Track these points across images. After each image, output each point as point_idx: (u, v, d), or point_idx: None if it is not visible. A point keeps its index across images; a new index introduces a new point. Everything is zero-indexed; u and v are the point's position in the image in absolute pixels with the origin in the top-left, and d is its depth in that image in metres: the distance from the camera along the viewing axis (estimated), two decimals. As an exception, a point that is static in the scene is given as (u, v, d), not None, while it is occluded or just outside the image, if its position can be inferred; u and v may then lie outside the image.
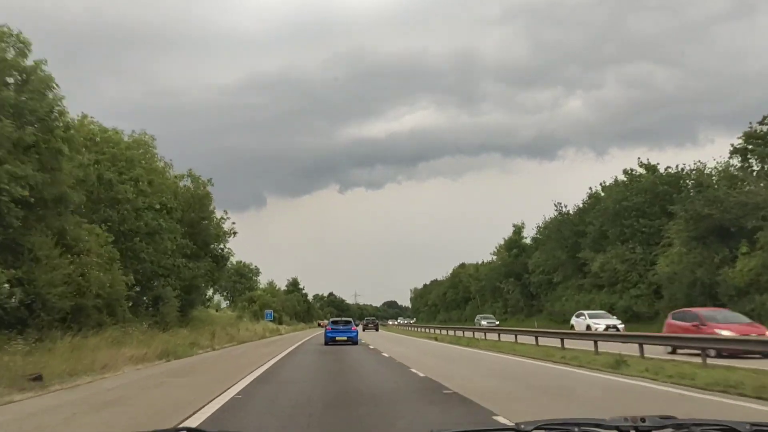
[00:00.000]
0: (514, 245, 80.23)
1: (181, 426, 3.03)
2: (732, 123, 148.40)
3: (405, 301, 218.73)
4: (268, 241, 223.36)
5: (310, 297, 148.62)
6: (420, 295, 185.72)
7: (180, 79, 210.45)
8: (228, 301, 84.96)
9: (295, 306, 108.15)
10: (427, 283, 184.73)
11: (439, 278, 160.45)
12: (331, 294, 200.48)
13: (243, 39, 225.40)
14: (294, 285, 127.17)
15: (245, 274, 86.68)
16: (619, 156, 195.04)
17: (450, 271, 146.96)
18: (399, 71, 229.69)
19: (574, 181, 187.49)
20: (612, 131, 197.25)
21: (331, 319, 38.13)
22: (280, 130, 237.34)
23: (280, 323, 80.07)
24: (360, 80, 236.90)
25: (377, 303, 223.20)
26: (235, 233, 55.75)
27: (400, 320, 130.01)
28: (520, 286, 75.39)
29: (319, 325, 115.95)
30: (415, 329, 76.42)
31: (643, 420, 2.05)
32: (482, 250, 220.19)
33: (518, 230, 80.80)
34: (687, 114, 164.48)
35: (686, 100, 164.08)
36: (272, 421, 8.46)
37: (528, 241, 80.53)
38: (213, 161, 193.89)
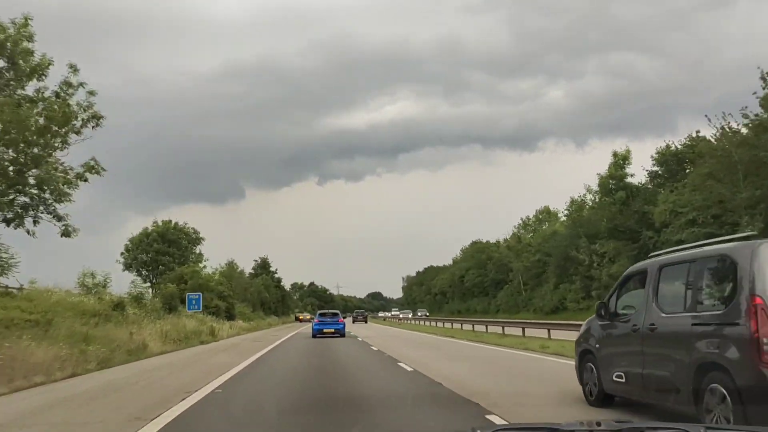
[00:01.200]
0: (617, 184, 48.73)
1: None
2: (712, 114, 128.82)
3: (390, 293, 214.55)
4: (248, 233, 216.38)
5: (287, 285, 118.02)
6: (418, 283, 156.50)
7: (154, 66, 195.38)
8: (148, 281, 53.12)
9: (261, 292, 76.47)
10: (420, 270, 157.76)
11: (436, 264, 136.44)
12: (312, 284, 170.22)
13: (220, 25, 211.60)
14: (263, 267, 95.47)
15: (175, 241, 54.65)
16: (600, 147, 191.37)
17: (460, 251, 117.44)
18: (380, 60, 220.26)
19: (554, 174, 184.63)
20: (592, 122, 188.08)
21: (319, 312, 37.47)
22: (257, 119, 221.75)
23: (230, 317, 48.44)
24: (340, 69, 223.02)
25: (361, 294, 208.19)
26: (98, 120, 26.04)
27: (407, 313, 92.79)
28: (636, 251, 44.27)
29: (297, 319, 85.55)
30: (436, 324, 46.41)
31: (598, 424, 1.98)
32: (463, 241, 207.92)
33: (620, 161, 49.18)
34: (668, 104, 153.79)
35: (667, 91, 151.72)
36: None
37: (634, 180, 49.39)
38: (188, 151, 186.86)
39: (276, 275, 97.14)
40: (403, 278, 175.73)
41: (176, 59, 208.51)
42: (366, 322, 69.56)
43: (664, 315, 6.81)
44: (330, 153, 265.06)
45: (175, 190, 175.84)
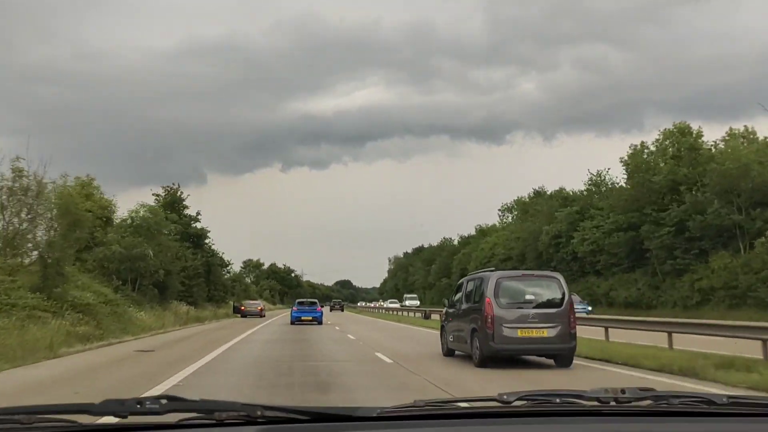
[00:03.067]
0: None
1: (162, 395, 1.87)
2: (679, 111, 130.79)
3: (360, 282, 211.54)
4: (209, 220, 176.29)
5: (237, 264, 76.09)
6: (425, 261, 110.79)
7: (111, 42, 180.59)
8: None
9: (122, 245, 28.73)
10: (409, 251, 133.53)
11: (426, 245, 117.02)
12: (273, 265, 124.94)
13: (182, 1, 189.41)
14: (171, 205, 46.53)
15: None
16: (567, 141, 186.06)
17: (499, 214, 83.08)
18: (349, 43, 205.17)
19: (521, 169, 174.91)
20: (561, 115, 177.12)
21: (298, 301, 38.15)
22: (220, 101, 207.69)
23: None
24: (307, 51, 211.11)
25: (328, 282, 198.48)
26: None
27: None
28: None
29: (237, 310, 51.97)
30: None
31: (623, 391, 2.06)
32: (432, 233, 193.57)
33: None
34: (636, 99, 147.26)
35: (636, 85, 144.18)
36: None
37: None
38: (147, 132, 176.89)
39: (198, 224, 48.42)
40: (389, 259, 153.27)
41: (135, 35, 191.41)
42: (342, 310, 73.46)
43: (466, 304, 13.55)
44: (295, 139, 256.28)
45: (131, 172, 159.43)
